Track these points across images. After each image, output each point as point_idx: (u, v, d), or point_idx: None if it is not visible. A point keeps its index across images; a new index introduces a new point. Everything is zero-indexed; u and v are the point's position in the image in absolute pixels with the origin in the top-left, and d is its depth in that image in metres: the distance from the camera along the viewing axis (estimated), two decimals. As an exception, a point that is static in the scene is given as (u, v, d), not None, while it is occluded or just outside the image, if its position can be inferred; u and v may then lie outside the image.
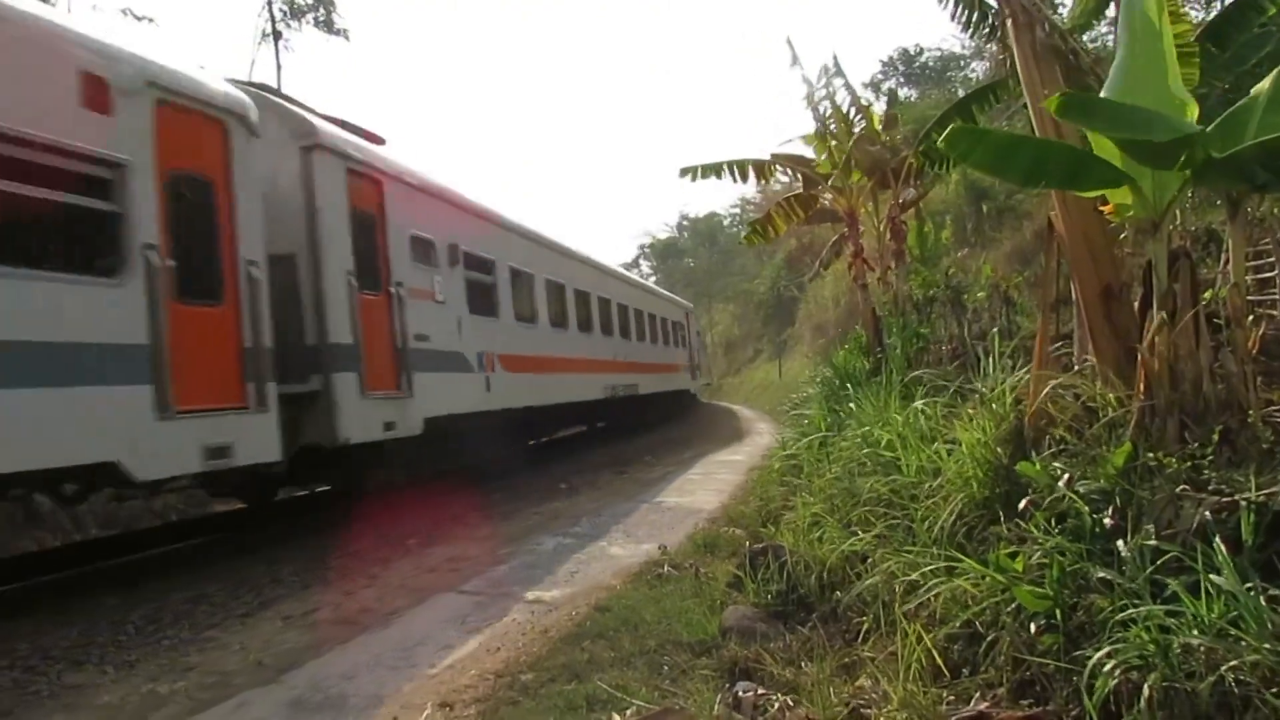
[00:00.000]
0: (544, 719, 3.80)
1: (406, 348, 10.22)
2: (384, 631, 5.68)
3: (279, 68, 28.13)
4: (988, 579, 3.73)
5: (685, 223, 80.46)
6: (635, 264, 79.06)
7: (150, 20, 24.39)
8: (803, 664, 4.19)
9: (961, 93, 11.95)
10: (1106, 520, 3.65)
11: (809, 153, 13.98)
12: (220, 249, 7.54)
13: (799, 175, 13.79)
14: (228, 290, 7.52)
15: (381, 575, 7.35)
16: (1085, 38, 7.57)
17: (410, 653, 5.15)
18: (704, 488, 11.41)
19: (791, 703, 3.71)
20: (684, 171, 13.89)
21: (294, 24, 28.05)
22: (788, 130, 59.10)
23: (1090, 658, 2.97)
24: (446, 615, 5.96)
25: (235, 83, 8.52)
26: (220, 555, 8.38)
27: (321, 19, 28.06)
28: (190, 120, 7.36)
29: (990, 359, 5.64)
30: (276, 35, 27.72)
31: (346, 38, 29.12)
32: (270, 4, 26.88)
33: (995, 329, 7.32)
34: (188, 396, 6.87)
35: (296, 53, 45.15)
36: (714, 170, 13.64)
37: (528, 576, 6.92)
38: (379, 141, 11.17)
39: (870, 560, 4.84)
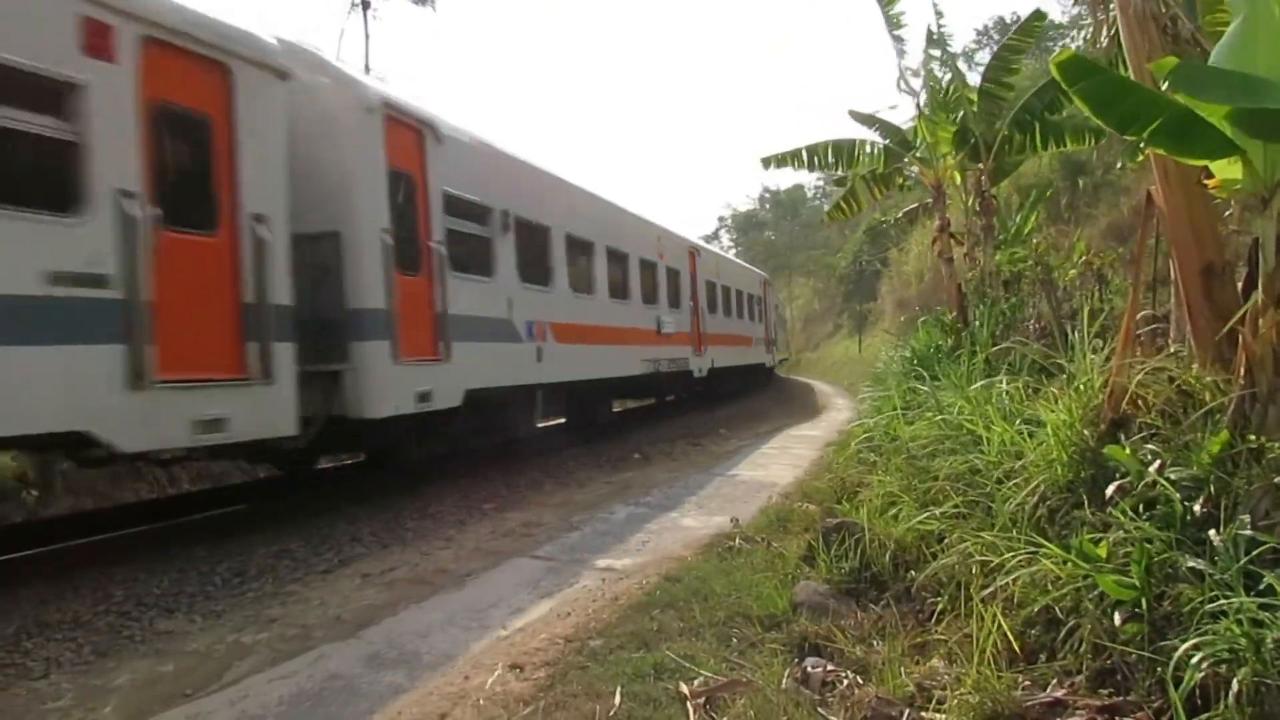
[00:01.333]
0: (612, 685, 3.81)
1: None
2: (459, 592, 5.80)
3: (367, 37, 28.61)
4: (1069, 564, 3.62)
5: (767, 194, 79.71)
6: (715, 235, 78.81)
7: None
8: (874, 642, 4.14)
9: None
10: (1198, 508, 3.50)
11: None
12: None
13: (880, 146, 13.42)
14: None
15: (457, 538, 7.51)
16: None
17: (483, 614, 5.24)
18: (778, 462, 11.34)
19: (861, 680, 3.67)
20: (765, 162, 13.79)
21: (383, -6, 28.45)
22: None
23: (1176, 649, 2.87)
24: (519, 579, 6.05)
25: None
26: (303, 513, 8.65)
27: (410, -12, 28.37)
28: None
29: (1078, 337, 5.44)
30: (365, 4, 28.15)
31: (434, 8, 29.44)
32: (360, -27, 27.31)
33: (1086, 307, 7.03)
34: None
35: (383, 21, 45.79)
36: (793, 158, 13.43)
37: (600, 544, 6.98)
38: None
39: (946, 540, 4.74)
